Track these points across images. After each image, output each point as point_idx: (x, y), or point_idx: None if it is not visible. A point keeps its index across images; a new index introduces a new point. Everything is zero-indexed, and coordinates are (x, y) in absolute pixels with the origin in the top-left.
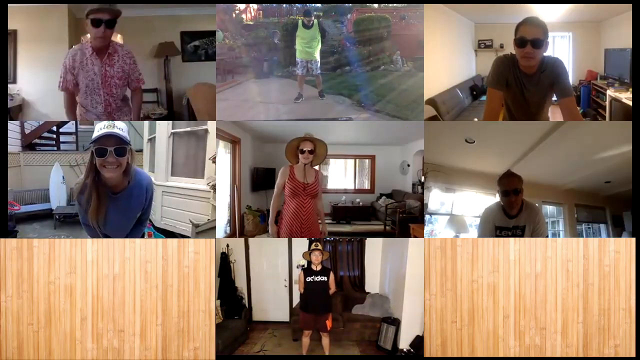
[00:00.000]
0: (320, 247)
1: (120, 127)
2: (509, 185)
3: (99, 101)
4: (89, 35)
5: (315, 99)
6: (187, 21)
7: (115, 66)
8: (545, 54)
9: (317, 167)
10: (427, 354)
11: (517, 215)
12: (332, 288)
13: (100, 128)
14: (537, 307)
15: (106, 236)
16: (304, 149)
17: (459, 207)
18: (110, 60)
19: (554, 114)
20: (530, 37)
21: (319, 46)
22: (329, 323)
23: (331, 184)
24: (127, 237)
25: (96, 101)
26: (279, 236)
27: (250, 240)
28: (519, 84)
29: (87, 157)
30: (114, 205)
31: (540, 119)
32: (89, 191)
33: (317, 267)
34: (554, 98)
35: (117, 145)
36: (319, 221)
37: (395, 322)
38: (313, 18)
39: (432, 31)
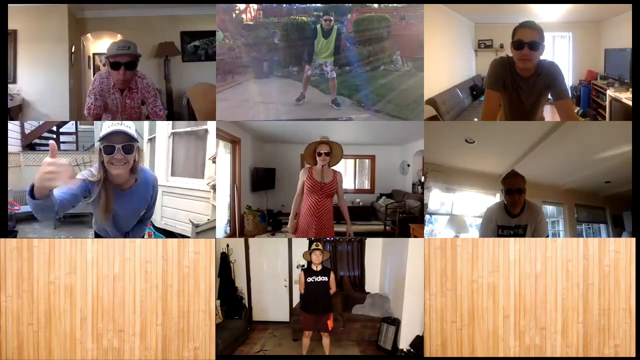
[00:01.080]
0: (320, 247)
1: (127, 125)
2: (513, 185)
3: None
4: (89, 35)
5: (314, 100)
6: (187, 21)
7: (135, 99)
8: (541, 58)
9: (335, 168)
10: (427, 354)
11: (519, 215)
12: (333, 288)
13: (108, 126)
14: (537, 307)
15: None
16: (321, 152)
17: (459, 207)
18: (130, 93)
19: (553, 114)
20: (528, 40)
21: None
22: (330, 323)
23: None
24: (128, 235)
25: None
26: (295, 233)
27: (250, 240)
28: (515, 86)
29: (87, 157)
30: (121, 201)
31: (534, 119)
32: (98, 188)
33: (317, 267)
34: (550, 98)
35: (125, 143)
36: (344, 221)
37: (395, 322)
38: (332, 19)
39: (432, 31)
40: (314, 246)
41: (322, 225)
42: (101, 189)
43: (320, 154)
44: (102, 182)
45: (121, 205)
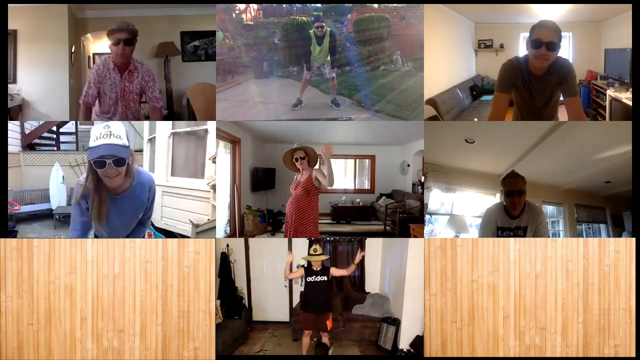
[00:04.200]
0: (319, 251)
1: (117, 135)
2: (513, 186)
3: (116, 113)
4: (89, 35)
5: (314, 100)
6: (187, 21)
7: (134, 82)
8: None
9: (317, 166)
10: (427, 354)
11: (519, 216)
12: (344, 271)
13: (97, 137)
14: (537, 307)
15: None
16: (298, 157)
17: (459, 207)
18: (130, 76)
19: (562, 113)
20: (546, 40)
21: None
22: (329, 323)
23: None
24: (128, 237)
25: (113, 112)
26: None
27: (250, 240)
28: (528, 85)
29: (87, 157)
30: (116, 206)
31: (547, 114)
32: (92, 195)
33: (317, 268)
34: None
35: (116, 156)
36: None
37: (395, 322)
38: (324, 25)
39: (432, 31)
40: (311, 251)
41: (305, 221)
42: (94, 196)
43: (297, 159)
44: (93, 188)
45: (117, 211)
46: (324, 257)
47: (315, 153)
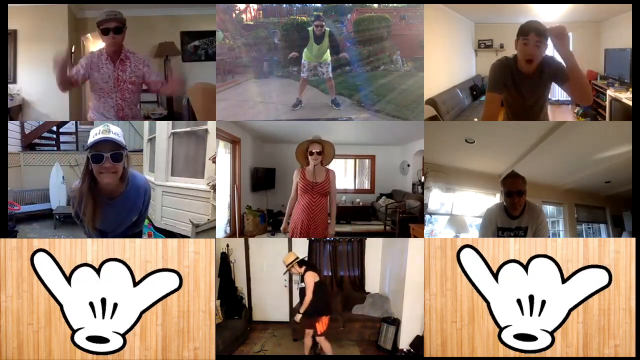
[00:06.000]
0: (287, 262)
1: (115, 132)
2: (513, 187)
3: (112, 105)
4: (89, 35)
5: (314, 100)
6: (187, 21)
7: (127, 71)
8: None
9: (329, 167)
10: (427, 354)
11: (520, 216)
12: (308, 294)
13: (96, 133)
14: None
15: (102, 235)
16: (313, 151)
17: (459, 207)
18: (122, 65)
19: (554, 114)
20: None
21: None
22: (318, 326)
23: None
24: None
25: (109, 105)
26: (291, 234)
27: (250, 240)
28: (517, 84)
29: (85, 148)
30: (110, 210)
31: (537, 113)
32: (85, 197)
33: (300, 274)
34: (555, 98)
35: (113, 151)
36: (328, 221)
37: (395, 322)
38: (324, 24)
39: (432, 31)
40: (288, 261)
41: (316, 224)
42: (88, 198)
43: (312, 153)
44: (87, 190)
45: (111, 214)
46: (290, 267)
47: (333, 150)
